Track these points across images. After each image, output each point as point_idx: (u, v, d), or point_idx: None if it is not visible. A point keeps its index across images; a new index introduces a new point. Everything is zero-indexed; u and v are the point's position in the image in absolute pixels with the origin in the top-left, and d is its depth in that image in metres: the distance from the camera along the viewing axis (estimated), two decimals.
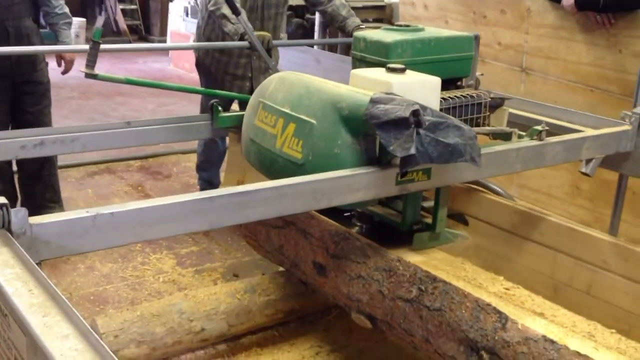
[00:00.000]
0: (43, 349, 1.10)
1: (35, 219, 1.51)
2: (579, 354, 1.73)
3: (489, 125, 2.52)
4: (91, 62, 2.60)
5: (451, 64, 2.52)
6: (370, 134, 2.06)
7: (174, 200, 1.67)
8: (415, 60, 2.39)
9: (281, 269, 2.98)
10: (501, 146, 2.34)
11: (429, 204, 2.54)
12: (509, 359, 1.86)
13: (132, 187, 4.59)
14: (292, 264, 2.73)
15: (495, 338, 1.91)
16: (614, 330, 2.00)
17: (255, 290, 2.86)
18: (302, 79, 2.30)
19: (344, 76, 2.35)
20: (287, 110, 2.21)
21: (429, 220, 2.48)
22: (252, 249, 3.13)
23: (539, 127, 2.39)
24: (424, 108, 1.95)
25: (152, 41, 10.29)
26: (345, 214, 2.66)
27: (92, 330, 1.16)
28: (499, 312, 1.95)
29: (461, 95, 2.42)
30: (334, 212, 2.44)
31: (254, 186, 1.81)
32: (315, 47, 5.13)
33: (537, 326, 1.87)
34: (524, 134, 2.47)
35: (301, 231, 2.67)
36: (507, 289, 2.19)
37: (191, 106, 6.47)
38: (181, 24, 9.19)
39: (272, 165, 2.28)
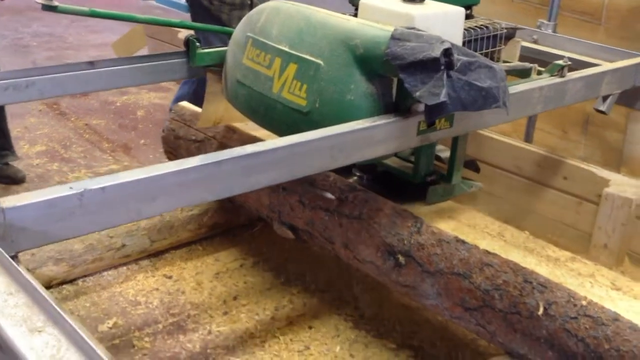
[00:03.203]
0: None
1: (9, 201, 1.26)
2: (487, 252, 1.80)
3: (500, 59, 2.25)
4: None
5: None
6: (387, 76, 1.80)
7: (175, 169, 1.44)
8: None
9: None
10: (523, 85, 2.10)
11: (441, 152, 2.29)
12: (424, 260, 1.92)
13: (47, 105, 4.40)
14: None
15: (411, 242, 1.96)
16: (526, 232, 2.09)
17: None
18: (301, 10, 1.99)
19: None
20: (286, 49, 1.93)
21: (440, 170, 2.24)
22: None
23: (560, 62, 2.18)
24: (453, 46, 1.66)
25: None
26: None
27: None
28: (415, 217, 2.00)
29: (476, 26, 2.12)
30: None
31: (264, 146, 1.56)
32: None
33: (450, 228, 1.93)
34: (542, 69, 2.25)
35: (221, 145, 2.64)
36: None
37: (114, 22, 6.19)
38: None
39: (269, 112, 2.02)
